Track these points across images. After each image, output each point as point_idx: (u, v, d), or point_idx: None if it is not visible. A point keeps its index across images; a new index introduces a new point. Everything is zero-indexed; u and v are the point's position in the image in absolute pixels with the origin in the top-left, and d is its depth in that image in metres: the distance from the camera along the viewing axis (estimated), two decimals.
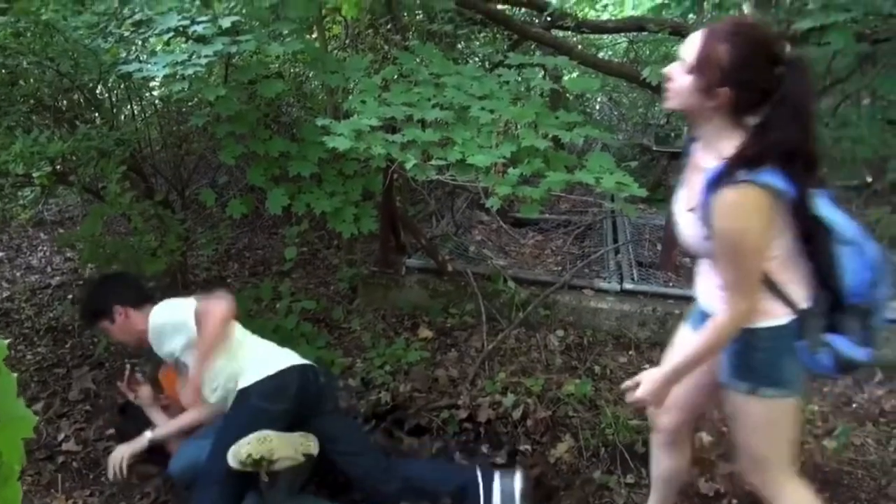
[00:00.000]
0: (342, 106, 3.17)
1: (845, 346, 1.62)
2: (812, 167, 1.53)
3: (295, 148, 2.90)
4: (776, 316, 1.63)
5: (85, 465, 2.71)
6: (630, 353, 3.27)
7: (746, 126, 1.57)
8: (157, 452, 2.56)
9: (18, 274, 4.52)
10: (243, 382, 2.40)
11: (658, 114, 8.32)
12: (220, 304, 2.40)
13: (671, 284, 3.57)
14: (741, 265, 1.57)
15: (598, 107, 9.04)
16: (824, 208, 1.58)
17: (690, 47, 1.58)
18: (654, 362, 3.20)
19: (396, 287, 3.74)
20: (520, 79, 2.80)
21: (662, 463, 2.14)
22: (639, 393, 1.79)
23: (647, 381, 1.79)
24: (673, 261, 3.93)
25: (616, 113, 8.69)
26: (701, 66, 1.55)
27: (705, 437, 2.74)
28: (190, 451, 2.44)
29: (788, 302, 1.62)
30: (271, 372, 2.41)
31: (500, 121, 2.43)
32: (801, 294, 1.63)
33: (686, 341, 1.83)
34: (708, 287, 1.76)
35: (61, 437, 2.85)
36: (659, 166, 5.67)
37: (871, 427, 2.82)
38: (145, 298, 2.58)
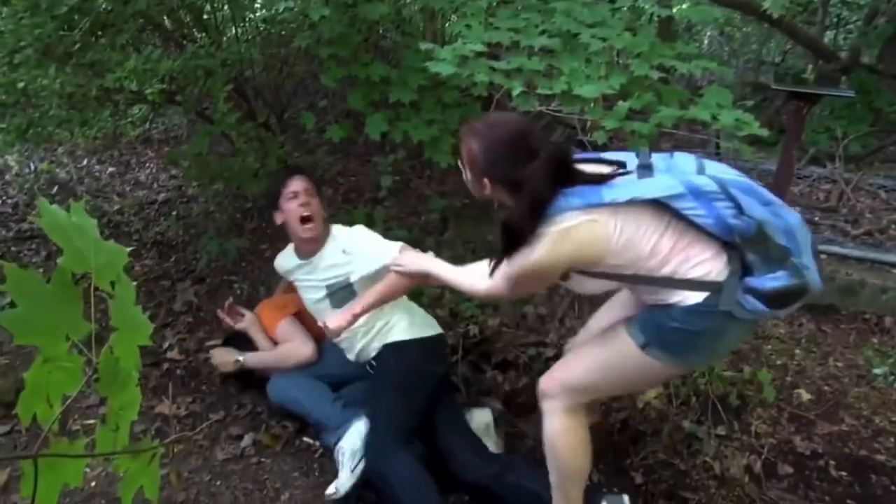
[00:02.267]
0: (443, 31, 3.09)
1: (762, 282, 1.60)
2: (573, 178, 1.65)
3: (395, 74, 2.85)
4: (690, 297, 1.65)
5: (187, 374, 2.87)
6: None
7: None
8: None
9: (128, 189, 4.75)
10: (399, 335, 2.41)
11: (773, 51, 7.75)
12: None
13: None
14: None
15: (706, 41, 8.51)
16: (633, 186, 1.62)
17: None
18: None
19: (488, 220, 3.70)
20: (628, 7, 2.64)
21: None
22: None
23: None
24: None
25: (727, 49, 8.16)
26: (466, 164, 1.78)
27: (804, 395, 2.62)
28: (284, 384, 2.52)
29: (697, 285, 1.64)
30: (431, 333, 2.47)
31: (612, 50, 2.30)
32: (716, 266, 1.64)
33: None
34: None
35: (166, 345, 3.02)
36: (773, 107, 5.30)
37: None
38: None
